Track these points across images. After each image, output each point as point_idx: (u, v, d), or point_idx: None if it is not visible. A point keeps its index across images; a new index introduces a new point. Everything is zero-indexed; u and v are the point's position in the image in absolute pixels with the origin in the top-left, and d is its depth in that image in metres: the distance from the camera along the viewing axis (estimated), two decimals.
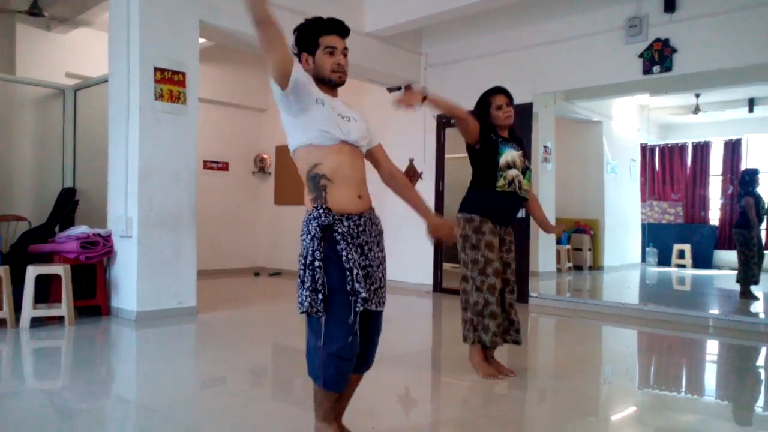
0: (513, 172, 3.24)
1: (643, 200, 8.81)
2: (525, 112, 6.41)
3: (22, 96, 5.87)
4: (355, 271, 1.95)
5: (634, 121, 8.92)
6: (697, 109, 8.38)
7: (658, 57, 5.50)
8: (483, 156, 3.27)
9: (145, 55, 4.85)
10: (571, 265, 8.15)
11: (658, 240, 8.55)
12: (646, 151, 9.08)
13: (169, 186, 4.99)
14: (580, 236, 8.33)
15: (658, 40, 5.50)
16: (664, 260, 8.68)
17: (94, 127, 5.79)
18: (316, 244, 1.96)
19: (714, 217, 9.11)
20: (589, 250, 8.36)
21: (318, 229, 1.97)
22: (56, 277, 4.74)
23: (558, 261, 7.53)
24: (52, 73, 6.72)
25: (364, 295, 1.94)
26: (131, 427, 2.64)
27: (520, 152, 3.32)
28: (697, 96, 7.95)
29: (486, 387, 3.20)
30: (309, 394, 3.06)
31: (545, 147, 6.73)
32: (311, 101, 2.00)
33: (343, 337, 1.95)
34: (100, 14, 6.58)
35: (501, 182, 3.23)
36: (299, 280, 1.98)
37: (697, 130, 9.37)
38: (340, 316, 1.95)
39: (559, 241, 7.60)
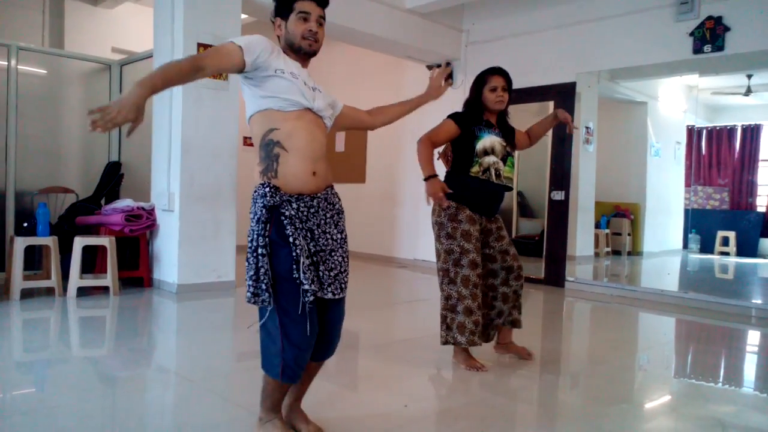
0: (490, 159, 3.06)
1: (688, 185, 8.57)
2: (568, 92, 6.29)
3: (70, 71, 6.02)
4: (301, 260, 1.83)
5: (681, 103, 8.64)
6: (748, 91, 8.07)
7: (710, 36, 5.30)
8: (460, 142, 3.12)
9: (188, 30, 4.91)
10: (609, 249, 8.01)
11: (701, 226, 8.33)
12: (693, 133, 8.80)
13: (210, 162, 5.08)
14: (620, 220, 8.18)
15: (710, 17, 5.29)
16: (707, 247, 8.47)
17: None
18: (260, 228, 1.85)
19: (761, 203, 8.82)
20: (629, 234, 8.20)
21: (263, 211, 1.85)
22: (102, 249, 4.91)
23: (596, 245, 7.41)
24: (98, 47, 6.87)
25: (306, 286, 1.82)
26: (171, 396, 2.74)
27: (502, 139, 3.14)
28: (749, 77, 7.66)
29: (517, 371, 3.20)
30: (344, 367, 3.13)
31: (587, 128, 6.59)
32: (271, 73, 1.89)
33: (296, 326, 1.85)
34: None
35: (476, 168, 3.05)
36: (246, 266, 1.88)
37: (748, 112, 9.04)
38: (291, 305, 1.84)
39: (598, 225, 7.47)
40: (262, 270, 1.83)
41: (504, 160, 3.13)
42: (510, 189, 3.22)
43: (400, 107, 2.47)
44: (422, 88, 2.64)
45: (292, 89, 1.90)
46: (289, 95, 1.90)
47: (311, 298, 1.84)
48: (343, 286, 1.98)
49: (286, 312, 1.86)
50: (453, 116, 3.16)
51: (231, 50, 1.85)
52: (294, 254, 1.83)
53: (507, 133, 3.24)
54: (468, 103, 3.23)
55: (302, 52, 2.01)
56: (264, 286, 1.83)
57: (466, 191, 3.10)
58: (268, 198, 1.85)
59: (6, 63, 5.39)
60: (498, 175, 3.10)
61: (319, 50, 2.03)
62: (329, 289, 1.92)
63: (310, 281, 1.84)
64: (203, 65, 1.80)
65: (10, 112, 5.38)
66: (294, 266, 1.83)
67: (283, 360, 1.87)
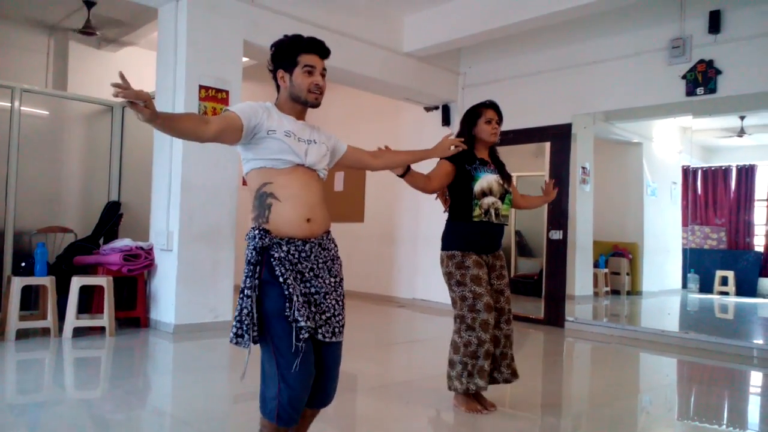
0: (489, 200, 3.08)
1: (685, 224, 8.61)
2: (564, 133, 6.37)
3: (72, 112, 6.09)
4: (294, 298, 1.84)
5: (676, 143, 8.75)
6: (741, 132, 8.18)
7: (702, 78, 5.41)
8: (457, 185, 3.12)
9: (190, 73, 4.99)
10: (608, 289, 7.99)
11: (699, 266, 8.32)
12: (689, 173, 8.88)
13: (209, 201, 5.10)
14: (618, 260, 8.17)
15: (702, 61, 5.42)
16: (706, 287, 8.44)
17: (139, 143, 5.97)
18: (249, 269, 1.87)
19: (759, 243, 8.84)
20: (628, 274, 8.19)
21: (254, 253, 1.87)
22: (99, 288, 4.88)
23: (595, 284, 7.39)
24: (101, 89, 6.96)
25: (301, 323, 1.82)
26: None
27: (497, 176, 3.16)
28: (742, 118, 7.77)
29: (518, 414, 3.16)
30: (342, 409, 3.08)
31: (584, 168, 6.66)
32: (263, 135, 1.94)
33: (290, 366, 1.83)
34: (148, 34, 6.82)
35: (477, 212, 3.06)
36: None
37: (742, 153, 9.14)
38: (284, 345, 1.84)
39: (596, 264, 7.47)
40: (245, 311, 1.83)
41: (502, 198, 3.15)
42: (506, 225, 3.23)
43: (404, 155, 2.53)
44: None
45: (283, 149, 1.94)
46: (280, 155, 1.94)
47: (306, 335, 1.84)
48: (336, 330, 1.96)
49: (281, 353, 1.85)
50: (447, 157, 3.16)
51: (230, 115, 1.90)
52: (286, 292, 1.84)
53: (500, 168, 3.26)
54: (469, 138, 3.22)
55: (308, 105, 2.05)
56: (245, 328, 1.82)
57: (471, 237, 3.10)
58: (257, 240, 1.87)
59: (9, 104, 5.46)
60: (497, 215, 3.12)
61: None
62: (320, 331, 1.92)
63: (305, 318, 1.84)
64: (208, 119, 1.85)
65: (11, 153, 5.42)
66: (287, 304, 1.83)
67: (279, 402, 1.85)
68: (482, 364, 2.98)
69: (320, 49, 2.05)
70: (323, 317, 1.94)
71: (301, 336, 1.83)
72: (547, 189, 3.56)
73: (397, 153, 2.50)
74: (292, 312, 1.83)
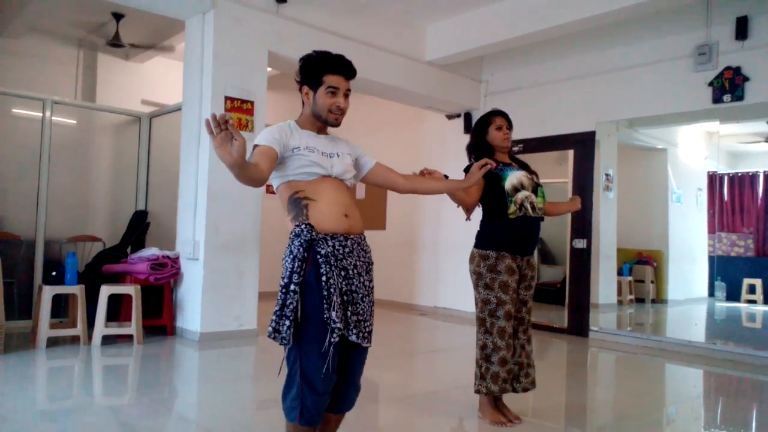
0: (523, 194, 3.07)
1: (711, 231, 8.47)
2: (587, 141, 6.34)
3: (101, 122, 6.23)
4: (333, 298, 1.87)
5: (702, 149, 8.62)
6: None
7: (729, 85, 5.34)
8: (488, 189, 3.11)
9: (216, 84, 5.07)
10: (632, 297, 7.89)
11: (726, 274, 8.18)
12: (715, 180, 8.74)
13: (235, 211, 5.16)
14: (643, 267, 8.07)
15: (729, 68, 5.35)
16: (733, 295, 8.29)
17: (166, 153, 6.08)
18: (296, 265, 1.89)
19: None
20: (652, 282, 8.08)
21: (301, 249, 1.90)
22: (127, 297, 4.97)
23: (619, 293, 7.31)
24: (129, 100, 7.12)
25: (339, 325, 1.86)
26: None
27: (524, 172, 3.17)
28: None
29: (542, 425, 3.14)
30: (365, 420, 3.10)
31: (607, 175, 6.60)
32: (289, 154, 2.00)
33: (316, 370, 1.87)
34: (175, 45, 6.94)
35: (512, 208, 3.05)
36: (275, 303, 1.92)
37: None
38: (314, 347, 1.87)
39: (620, 272, 7.39)
40: (290, 307, 1.85)
41: (534, 191, 3.14)
42: (543, 219, 3.20)
43: (437, 184, 2.54)
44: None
45: (309, 163, 1.99)
46: (307, 168, 1.99)
47: (337, 339, 1.86)
48: (365, 334, 1.98)
49: (308, 356, 1.88)
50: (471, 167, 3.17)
51: (265, 151, 1.94)
52: (325, 292, 1.87)
53: (524, 166, 3.26)
54: (474, 148, 3.27)
55: (327, 124, 2.10)
56: (288, 323, 1.85)
57: (508, 236, 3.07)
58: (305, 234, 1.90)
59: (41, 115, 5.60)
60: (533, 208, 3.10)
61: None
62: (353, 332, 1.94)
63: (339, 319, 1.87)
64: (256, 163, 1.88)
65: (42, 163, 5.56)
66: (325, 306, 1.86)
67: (302, 403, 1.90)
68: (496, 369, 2.99)
69: (346, 70, 2.08)
70: (356, 318, 1.96)
71: (332, 339, 1.86)
72: (573, 198, 3.55)
73: (429, 181, 2.50)
74: (329, 311, 1.86)
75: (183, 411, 3.37)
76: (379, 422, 3.23)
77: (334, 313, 1.86)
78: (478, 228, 3.20)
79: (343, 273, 1.95)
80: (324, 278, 1.88)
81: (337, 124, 2.09)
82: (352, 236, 2.02)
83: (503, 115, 3.27)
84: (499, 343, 2.99)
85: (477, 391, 3.06)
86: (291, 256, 1.91)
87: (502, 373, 2.99)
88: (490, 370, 3.01)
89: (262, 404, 3.53)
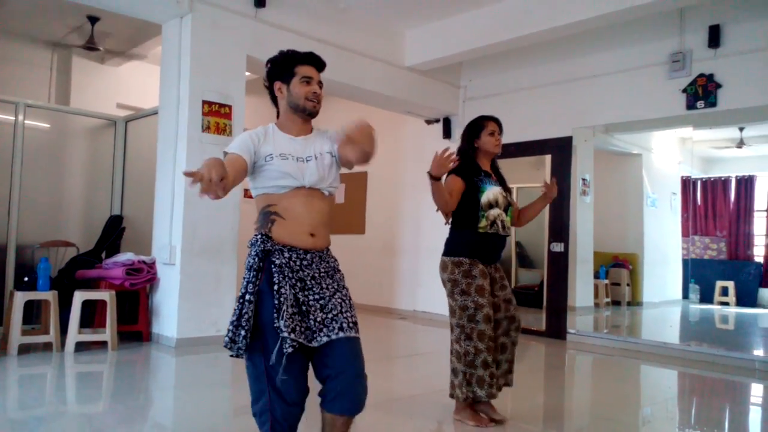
0: (495, 212, 3.11)
1: (685, 235, 8.62)
2: (564, 146, 6.41)
3: (75, 126, 6.13)
4: (283, 308, 1.82)
5: (676, 154, 8.78)
6: (741, 143, 8.23)
7: (702, 92, 5.44)
8: (465, 195, 3.14)
9: (194, 88, 5.03)
10: (609, 300, 7.99)
11: (700, 276, 8.34)
12: (688, 184, 8.91)
13: (212, 215, 5.12)
14: (619, 270, 8.18)
15: (702, 75, 5.45)
16: (706, 297, 8.45)
17: (142, 157, 6.00)
18: (251, 275, 1.89)
19: (759, 254, 8.85)
20: (628, 285, 8.19)
21: (256, 258, 1.90)
22: (101, 302, 4.89)
23: (595, 295, 7.40)
24: (104, 104, 7.01)
25: (285, 334, 1.80)
26: None
27: (501, 188, 3.22)
28: (741, 130, 7.82)
29: (520, 427, 3.16)
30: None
31: (584, 180, 6.69)
32: (261, 162, 1.98)
33: (278, 376, 1.84)
34: (151, 48, 6.87)
35: (483, 223, 3.09)
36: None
37: (741, 164, 9.18)
38: (276, 356, 1.83)
39: (597, 275, 7.47)
40: (245, 317, 1.84)
41: (506, 210, 3.21)
42: (508, 236, 3.26)
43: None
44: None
45: (281, 174, 1.97)
46: (279, 181, 1.97)
47: (290, 349, 1.81)
48: (345, 325, 1.91)
49: (273, 366, 1.84)
50: (455, 172, 3.18)
51: (233, 160, 1.91)
52: (276, 302, 1.84)
53: (501, 181, 3.31)
54: (463, 152, 3.28)
55: (306, 113, 2.08)
56: (243, 333, 1.83)
57: (477, 246, 3.12)
58: (259, 245, 1.90)
59: (13, 118, 5.50)
60: (503, 227, 3.16)
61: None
62: (322, 333, 1.89)
63: (290, 329, 1.81)
64: (237, 177, 1.87)
65: (15, 167, 5.46)
66: (275, 315, 1.83)
67: (272, 415, 1.87)
68: (481, 373, 3.00)
69: (316, 62, 2.11)
70: (329, 315, 1.92)
71: (284, 349, 1.81)
72: (547, 186, 3.36)
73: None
74: (278, 321, 1.81)
75: (159, 418, 3.32)
76: (357, 427, 3.21)
77: (282, 323, 1.81)
78: (447, 238, 3.22)
79: (299, 284, 1.92)
80: (276, 287, 1.85)
81: (315, 112, 2.09)
82: (313, 251, 1.99)
83: (496, 120, 3.30)
84: (481, 346, 2.99)
85: (465, 399, 3.02)
86: (248, 266, 1.92)
87: (486, 377, 3.00)
88: (474, 375, 3.00)
89: (239, 410, 3.49)
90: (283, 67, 2.08)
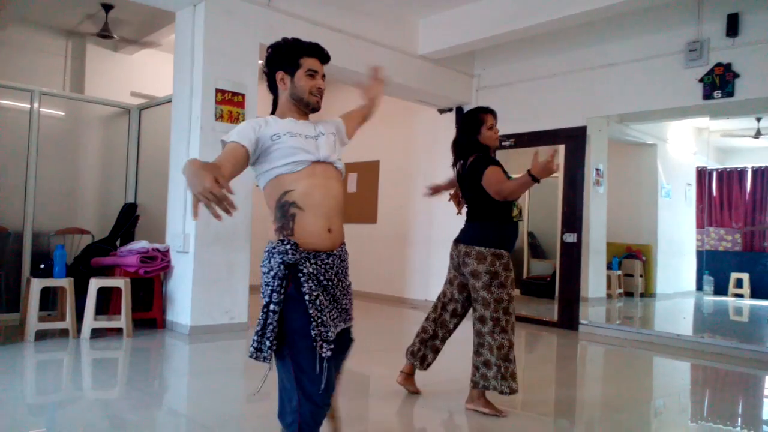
0: (518, 200, 3.16)
1: (700, 226, 8.54)
2: (578, 136, 6.36)
3: (90, 114, 6.16)
4: (320, 315, 1.83)
5: (691, 144, 8.69)
6: (758, 134, 8.11)
7: (720, 82, 5.37)
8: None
9: (207, 76, 5.04)
10: (621, 291, 7.96)
11: (714, 268, 8.27)
12: (704, 175, 8.82)
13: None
14: (632, 262, 8.14)
15: (719, 64, 5.38)
16: (720, 289, 8.38)
17: (156, 145, 6.04)
18: (276, 284, 1.83)
19: None
20: (641, 276, 8.15)
21: (282, 267, 1.83)
22: (116, 290, 4.94)
23: (608, 287, 7.37)
24: (118, 92, 7.05)
25: (331, 336, 1.82)
26: None
27: None
28: (759, 120, 7.71)
29: (532, 417, 3.17)
30: (357, 414, 3.10)
31: (597, 170, 6.64)
32: (269, 144, 1.90)
33: (312, 383, 1.81)
34: (165, 36, 6.88)
35: (515, 211, 3.12)
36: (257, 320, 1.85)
37: (758, 154, 9.06)
38: (307, 361, 1.81)
39: (609, 266, 7.44)
40: (270, 327, 1.81)
41: None
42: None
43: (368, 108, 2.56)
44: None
45: (293, 150, 1.91)
46: (293, 158, 1.90)
47: (329, 354, 1.82)
48: (345, 317, 1.99)
49: (301, 369, 1.82)
50: (491, 161, 3.15)
51: (232, 149, 1.84)
52: (311, 311, 1.82)
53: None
54: (466, 144, 3.24)
55: (309, 107, 2.04)
56: (269, 343, 1.80)
57: (512, 236, 3.15)
58: (289, 255, 1.83)
59: (29, 106, 5.54)
60: (520, 214, 3.17)
61: None
62: (337, 328, 1.94)
63: (332, 332, 1.84)
64: (220, 163, 1.76)
65: (30, 154, 5.51)
66: (312, 323, 1.81)
67: (300, 417, 1.84)
68: (514, 367, 3.03)
69: (321, 54, 2.06)
70: (344, 309, 1.98)
71: (324, 354, 1.81)
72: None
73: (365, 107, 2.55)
74: (317, 329, 1.81)
75: (173, 404, 3.36)
76: (369, 416, 3.24)
77: (323, 329, 1.82)
78: (473, 227, 3.19)
79: (324, 292, 1.90)
80: (308, 297, 1.83)
81: (317, 107, 2.04)
82: (334, 252, 1.95)
83: (493, 113, 3.27)
84: (513, 339, 3.04)
85: (501, 392, 3.01)
86: (271, 274, 1.85)
87: (516, 370, 3.04)
88: (509, 369, 3.01)
89: (253, 397, 3.52)
90: (287, 57, 2.02)
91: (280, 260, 1.84)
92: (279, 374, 1.90)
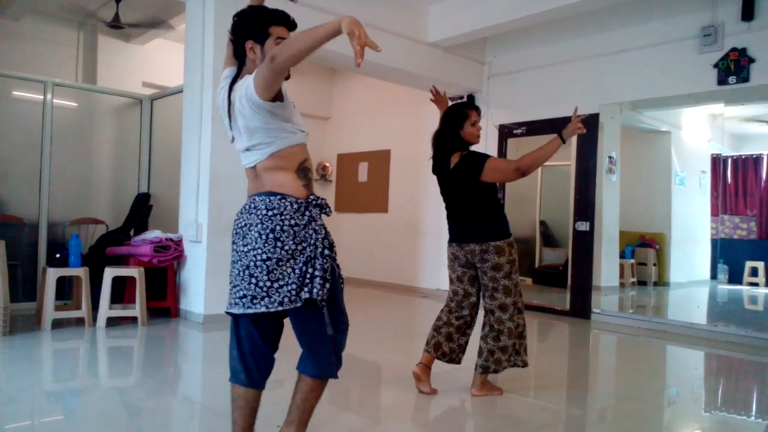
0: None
1: (714, 214, 8.46)
2: (591, 123, 6.29)
3: (102, 104, 6.20)
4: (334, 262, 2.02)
5: (705, 131, 8.59)
6: None
7: (735, 67, 5.29)
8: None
9: (218, 66, 5.03)
10: (635, 279, 7.91)
11: (729, 256, 8.19)
12: (718, 162, 8.72)
13: (237, 194, 5.15)
14: (645, 250, 8.09)
15: (734, 49, 5.30)
16: (735, 277, 8.31)
17: (168, 135, 6.06)
18: (324, 231, 1.97)
19: None
20: (654, 264, 8.10)
21: (319, 216, 1.98)
22: (131, 279, 4.99)
23: (621, 275, 7.33)
24: (130, 82, 7.08)
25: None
26: (196, 428, 2.76)
27: None
28: None
29: (544, 406, 3.17)
30: (368, 399, 3.12)
31: (610, 158, 6.59)
32: (290, 104, 1.97)
33: (344, 314, 2.07)
34: (176, 26, 6.89)
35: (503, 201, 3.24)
36: (297, 269, 1.90)
37: None
38: (341, 298, 2.05)
39: (622, 255, 7.39)
40: (329, 270, 1.94)
41: None
42: None
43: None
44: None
45: (299, 119, 2.03)
46: (301, 126, 2.02)
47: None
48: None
49: (337, 307, 2.02)
50: (484, 154, 3.21)
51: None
52: (333, 255, 2.03)
53: None
54: (450, 137, 3.25)
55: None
56: (328, 286, 1.93)
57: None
58: (328, 209, 2.01)
59: (42, 97, 5.58)
60: None
61: None
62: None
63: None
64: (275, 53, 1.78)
65: (44, 145, 5.56)
66: (337, 265, 2.08)
67: (337, 348, 2.07)
68: (526, 342, 3.19)
69: (289, 22, 2.05)
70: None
71: (341, 284, 2.08)
72: None
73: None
74: (339, 270, 2.05)
75: (187, 391, 3.40)
76: (381, 402, 3.25)
77: (338, 270, 2.09)
78: (479, 225, 3.22)
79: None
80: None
81: (288, 75, 1.94)
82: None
83: (478, 109, 3.30)
84: (524, 317, 3.21)
85: (523, 365, 3.16)
86: (314, 223, 1.94)
87: (527, 343, 3.21)
88: (523, 344, 3.18)
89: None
90: (257, 26, 2.00)
91: (319, 211, 1.98)
92: (308, 327, 2.01)
